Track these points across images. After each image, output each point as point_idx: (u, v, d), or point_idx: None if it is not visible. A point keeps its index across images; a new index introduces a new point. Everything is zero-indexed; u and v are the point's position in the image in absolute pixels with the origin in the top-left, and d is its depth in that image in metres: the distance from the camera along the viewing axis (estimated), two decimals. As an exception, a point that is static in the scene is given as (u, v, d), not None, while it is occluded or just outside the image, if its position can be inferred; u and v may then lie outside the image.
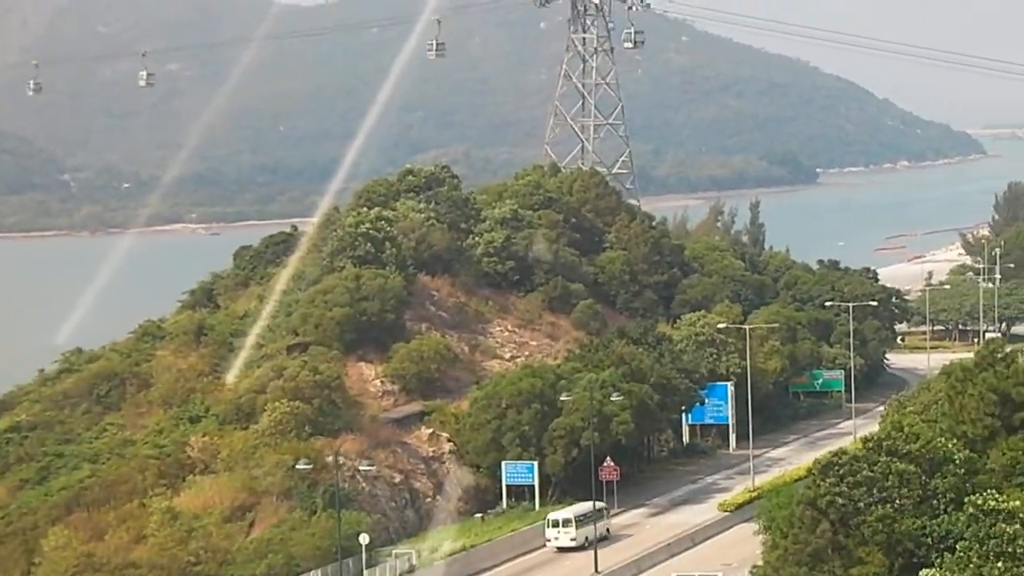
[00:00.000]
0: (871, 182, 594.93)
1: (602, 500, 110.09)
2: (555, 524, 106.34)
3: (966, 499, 68.99)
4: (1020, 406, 75.00)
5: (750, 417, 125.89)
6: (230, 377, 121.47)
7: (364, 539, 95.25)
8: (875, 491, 70.66)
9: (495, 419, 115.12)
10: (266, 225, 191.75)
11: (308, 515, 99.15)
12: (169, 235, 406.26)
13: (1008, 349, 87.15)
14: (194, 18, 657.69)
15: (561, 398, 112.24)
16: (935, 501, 70.85)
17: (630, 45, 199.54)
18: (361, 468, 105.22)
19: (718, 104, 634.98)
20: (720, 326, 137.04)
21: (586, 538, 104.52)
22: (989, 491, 69.05)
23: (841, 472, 71.66)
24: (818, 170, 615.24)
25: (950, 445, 73.29)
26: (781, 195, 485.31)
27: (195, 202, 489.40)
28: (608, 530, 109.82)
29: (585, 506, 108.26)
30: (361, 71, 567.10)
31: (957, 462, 72.03)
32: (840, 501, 70.68)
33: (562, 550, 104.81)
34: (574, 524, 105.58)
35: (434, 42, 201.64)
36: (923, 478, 71.25)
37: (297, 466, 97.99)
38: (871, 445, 73.14)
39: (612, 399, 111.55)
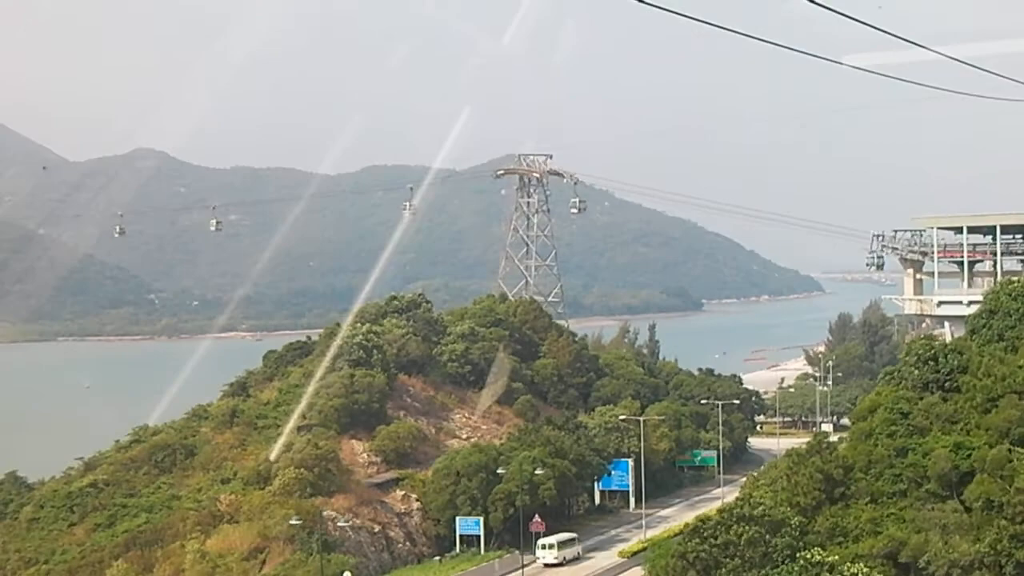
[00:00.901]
0: (742, 310, 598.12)
1: (532, 549, 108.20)
2: (543, 547, 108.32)
3: (798, 554, 66.86)
4: (839, 483, 72.90)
5: (643, 485, 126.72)
6: (262, 451, 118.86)
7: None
8: (729, 548, 68.08)
9: (451, 484, 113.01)
10: (297, 334, 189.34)
11: (306, 556, 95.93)
12: (226, 340, 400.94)
13: (834, 438, 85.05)
14: (250, 184, 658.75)
15: (498, 471, 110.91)
16: (775, 555, 68.28)
17: (575, 211, 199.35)
18: (339, 524, 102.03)
19: (631, 252, 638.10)
20: (622, 417, 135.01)
21: (564, 557, 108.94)
22: (816, 548, 67.16)
23: (705, 534, 69.24)
24: (703, 301, 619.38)
25: (788, 512, 71.07)
26: (676, 319, 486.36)
27: (245, 316, 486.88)
28: (579, 553, 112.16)
29: (564, 536, 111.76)
30: (370, 223, 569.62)
31: (792, 525, 69.67)
32: (703, 556, 68.17)
33: (548, 566, 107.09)
34: (556, 547, 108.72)
35: (408, 204, 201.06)
36: (766, 537, 68.68)
37: (290, 522, 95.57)
38: (726, 514, 70.67)
39: (538, 472, 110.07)
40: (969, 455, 70.58)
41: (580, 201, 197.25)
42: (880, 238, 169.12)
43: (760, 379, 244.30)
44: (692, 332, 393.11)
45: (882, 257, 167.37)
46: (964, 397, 76.34)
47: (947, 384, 78.67)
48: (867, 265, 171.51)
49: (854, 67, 45.91)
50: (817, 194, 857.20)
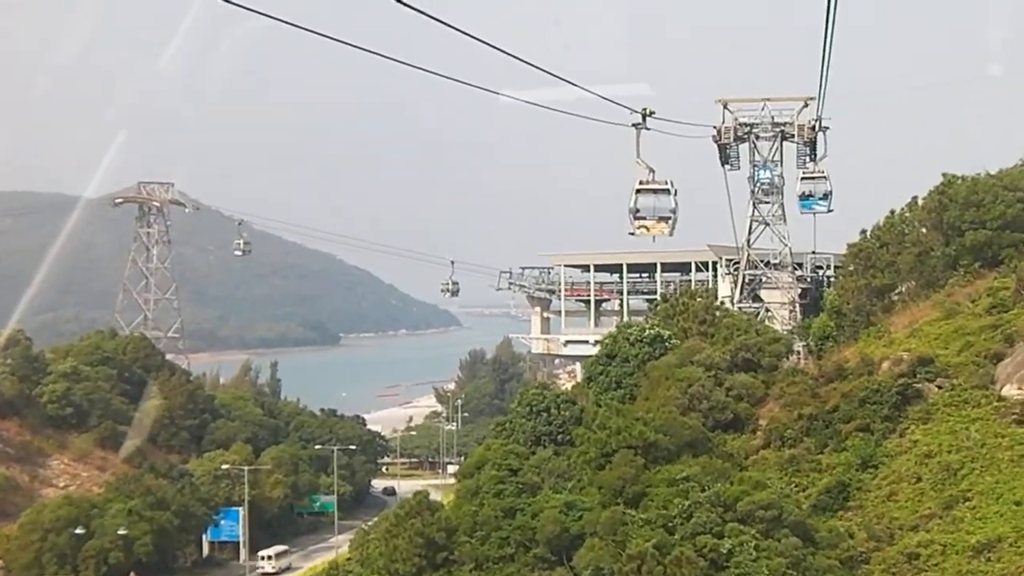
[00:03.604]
0: (379, 344, 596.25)
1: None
2: (262, 558, 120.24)
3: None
4: (442, 547, 66.07)
5: (247, 535, 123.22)
6: None
7: None
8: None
9: (38, 540, 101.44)
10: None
11: None
12: None
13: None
14: None
15: (77, 531, 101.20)
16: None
17: (239, 253, 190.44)
18: None
19: (270, 284, 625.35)
20: (225, 466, 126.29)
21: (280, 568, 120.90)
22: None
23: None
24: (340, 335, 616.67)
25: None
26: (312, 353, 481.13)
27: None
28: (290, 565, 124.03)
29: (280, 548, 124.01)
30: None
31: (388, 598, 62.80)
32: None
33: (266, 575, 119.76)
34: (275, 558, 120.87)
35: None
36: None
37: None
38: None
39: (121, 531, 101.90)
40: (580, 516, 64.72)
41: (245, 243, 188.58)
42: (508, 275, 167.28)
43: (391, 417, 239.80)
44: (327, 367, 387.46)
45: (456, 283, 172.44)
46: (578, 451, 70.75)
47: (560, 437, 73.19)
48: (441, 292, 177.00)
49: (515, 99, 43.96)
50: (457, 230, 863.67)
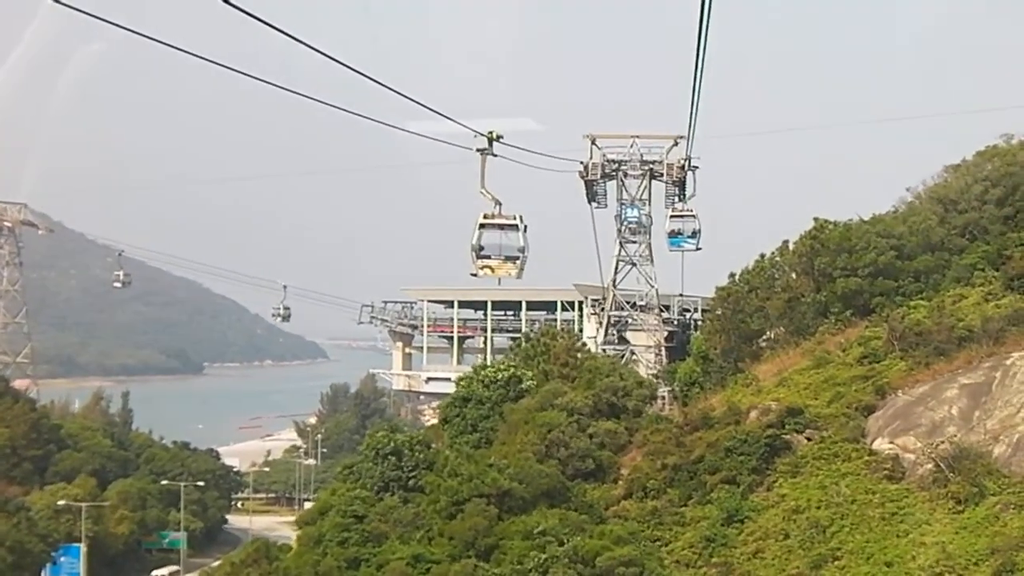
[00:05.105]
0: (243, 375, 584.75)
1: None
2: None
3: None
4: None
5: (87, 573, 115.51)
6: None
7: None
8: None
9: None
10: None
11: None
12: None
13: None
14: None
15: None
16: None
17: (119, 285, 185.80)
18: None
19: (133, 310, 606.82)
20: (61, 503, 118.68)
21: None
22: None
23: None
24: (204, 364, 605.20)
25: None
26: (174, 382, 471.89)
27: None
28: None
29: (173, 568, 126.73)
30: None
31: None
32: None
33: None
34: None
35: None
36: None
37: None
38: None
39: None
40: (429, 569, 60.32)
41: (125, 275, 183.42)
42: (369, 308, 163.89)
43: (250, 450, 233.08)
44: (188, 396, 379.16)
45: (288, 308, 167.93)
46: (428, 499, 66.40)
47: (411, 483, 68.61)
48: (273, 316, 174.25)
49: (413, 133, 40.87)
50: (327, 262, 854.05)
